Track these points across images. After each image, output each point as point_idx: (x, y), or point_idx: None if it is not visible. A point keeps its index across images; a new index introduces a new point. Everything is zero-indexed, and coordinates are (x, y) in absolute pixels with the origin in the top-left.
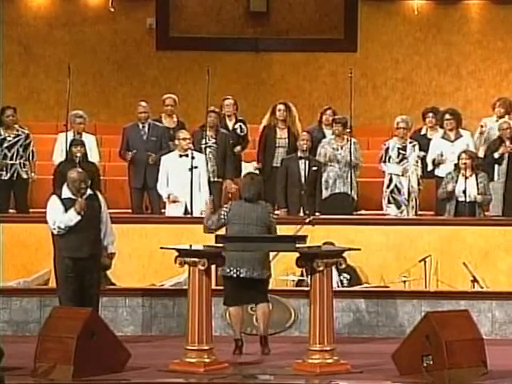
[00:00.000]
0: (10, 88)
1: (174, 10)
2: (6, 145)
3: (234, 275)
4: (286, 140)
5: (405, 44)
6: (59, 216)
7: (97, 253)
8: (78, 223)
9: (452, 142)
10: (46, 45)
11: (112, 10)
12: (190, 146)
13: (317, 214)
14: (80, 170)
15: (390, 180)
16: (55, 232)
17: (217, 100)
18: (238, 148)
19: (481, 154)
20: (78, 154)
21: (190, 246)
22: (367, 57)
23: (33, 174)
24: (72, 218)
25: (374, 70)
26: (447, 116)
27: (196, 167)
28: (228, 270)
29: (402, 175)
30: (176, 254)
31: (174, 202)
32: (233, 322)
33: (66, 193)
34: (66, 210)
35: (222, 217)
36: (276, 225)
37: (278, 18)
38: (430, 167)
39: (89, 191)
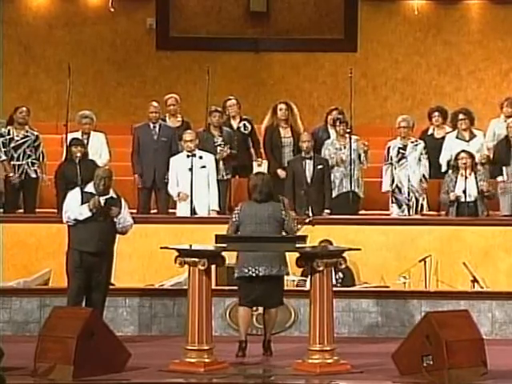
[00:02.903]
0: (10, 88)
1: (174, 10)
2: (13, 145)
3: (254, 274)
4: (291, 139)
5: (405, 44)
6: (72, 207)
7: (106, 251)
8: (90, 218)
9: (467, 141)
10: (46, 45)
11: (112, 10)
12: (194, 146)
13: (326, 211)
14: (107, 168)
15: (393, 180)
16: (64, 220)
17: (217, 100)
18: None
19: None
20: (78, 154)
21: (190, 246)
22: (367, 57)
23: (44, 176)
24: (83, 212)
25: (374, 70)
26: (461, 116)
27: (204, 166)
28: (246, 270)
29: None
30: (176, 253)
31: (185, 200)
32: (240, 323)
33: (89, 187)
34: (83, 202)
35: (235, 220)
36: (292, 219)
37: (278, 17)
38: (444, 168)
39: (112, 193)
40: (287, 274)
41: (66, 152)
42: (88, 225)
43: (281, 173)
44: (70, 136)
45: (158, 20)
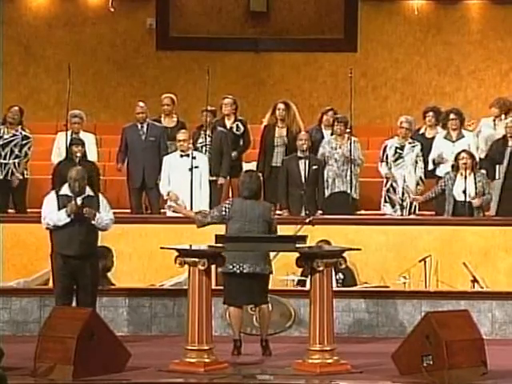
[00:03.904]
0: (10, 88)
1: (174, 10)
2: (0, 143)
3: (238, 271)
4: (285, 139)
5: (405, 44)
6: (50, 213)
7: (89, 253)
8: (70, 220)
9: (453, 142)
10: (46, 45)
11: (112, 10)
12: (190, 146)
13: (319, 212)
14: (80, 168)
15: (387, 179)
16: (44, 227)
17: (217, 100)
18: (235, 153)
19: (481, 154)
20: (78, 154)
21: (190, 245)
22: (367, 57)
23: (17, 175)
24: (61, 218)
25: (374, 70)
26: (452, 116)
27: (197, 167)
28: (231, 267)
29: (388, 178)
30: (176, 253)
31: (175, 201)
32: (232, 323)
33: (64, 190)
34: (59, 207)
35: (224, 212)
36: (276, 224)
37: (278, 18)
38: (430, 166)
39: (89, 191)
40: (271, 272)
41: (66, 151)
42: (68, 228)
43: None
44: (60, 135)
45: (158, 20)
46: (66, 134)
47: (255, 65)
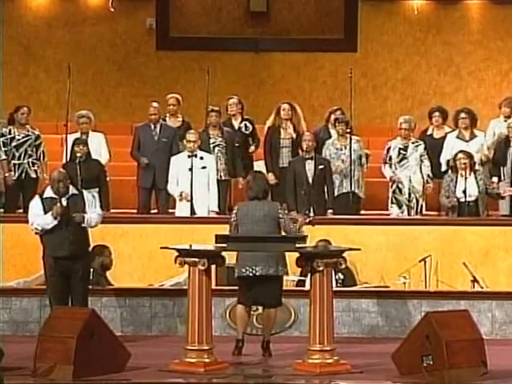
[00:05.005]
0: (10, 88)
1: (174, 10)
2: (14, 144)
3: (250, 274)
4: (290, 140)
5: (405, 44)
6: (37, 218)
7: (80, 253)
8: (58, 222)
9: (467, 141)
10: (46, 45)
11: (112, 10)
12: (196, 147)
13: (329, 211)
14: (62, 170)
15: (393, 182)
16: (33, 232)
17: (217, 100)
18: (252, 148)
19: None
20: (78, 154)
21: (190, 245)
22: (367, 57)
23: (44, 175)
24: (48, 221)
25: (374, 70)
26: (462, 115)
27: (205, 167)
28: (244, 270)
29: (394, 181)
30: (176, 253)
31: (188, 200)
32: (238, 322)
33: (48, 192)
34: (45, 210)
35: (234, 220)
36: (289, 220)
37: (278, 18)
38: (444, 167)
39: (72, 190)
40: (286, 273)
41: (69, 152)
42: (57, 230)
43: (270, 177)
44: (71, 137)
45: (158, 20)
46: (67, 135)
47: (255, 65)
